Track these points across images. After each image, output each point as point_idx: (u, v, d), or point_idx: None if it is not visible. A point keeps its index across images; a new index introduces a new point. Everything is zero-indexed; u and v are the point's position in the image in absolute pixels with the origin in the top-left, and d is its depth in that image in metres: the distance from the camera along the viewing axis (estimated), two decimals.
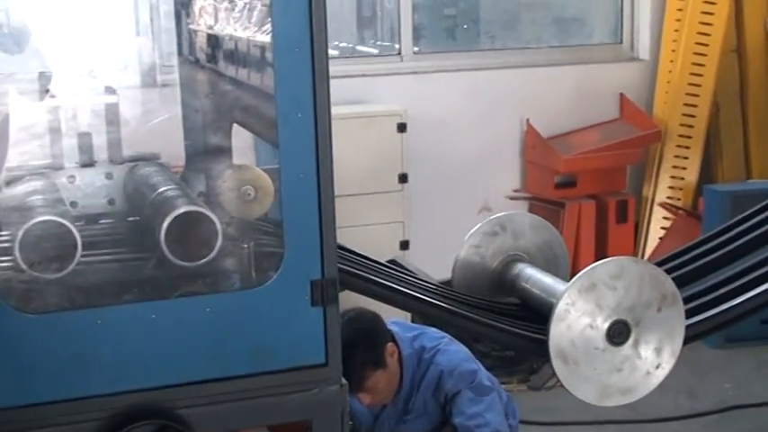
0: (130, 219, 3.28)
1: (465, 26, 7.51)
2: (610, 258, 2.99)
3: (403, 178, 6.35)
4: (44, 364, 2.46)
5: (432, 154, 6.79)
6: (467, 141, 7.00)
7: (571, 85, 7.20)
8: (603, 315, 2.91)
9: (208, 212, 2.79)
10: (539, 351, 2.97)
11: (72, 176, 3.28)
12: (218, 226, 2.78)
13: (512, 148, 7.16)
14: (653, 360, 2.96)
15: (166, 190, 2.98)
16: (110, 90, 3.36)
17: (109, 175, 3.33)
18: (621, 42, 7.49)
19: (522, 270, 3.32)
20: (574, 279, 2.91)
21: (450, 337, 4.27)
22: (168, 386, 2.55)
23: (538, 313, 3.12)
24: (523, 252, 3.43)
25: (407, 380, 4.18)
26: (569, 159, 6.83)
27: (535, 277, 3.24)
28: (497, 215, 3.46)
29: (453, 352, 4.17)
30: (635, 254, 7.13)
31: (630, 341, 2.93)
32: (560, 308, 2.87)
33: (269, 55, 3.01)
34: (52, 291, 2.68)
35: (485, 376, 4.18)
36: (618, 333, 2.91)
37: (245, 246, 2.84)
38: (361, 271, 3.04)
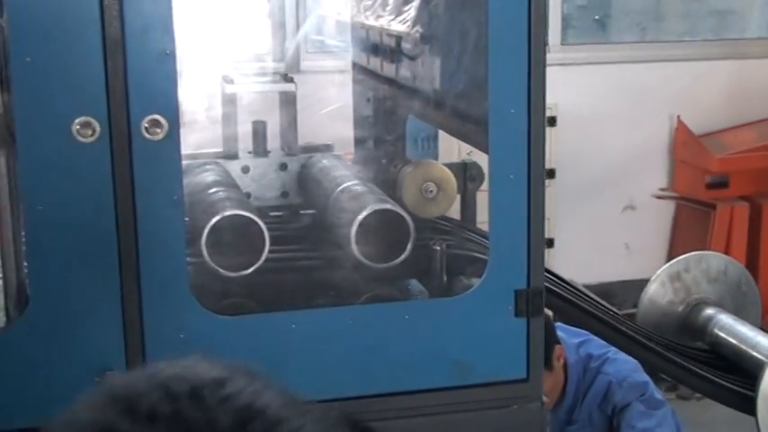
0: (303, 212, 3.13)
1: (612, 18, 7.23)
2: None
3: (550, 174, 6.13)
4: None
5: (578, 149, 6.54)
6: (614, 137, 6.73)
7: (725, 80, 6.87)
8: None
9: (400, 211, 2.62)
10: (740, 405, 2.78)
11: (246, 166, 3.14)
12: (411, 225, 2.61)
13: (661, 145, 6.86)
14: None
15: (352, 185, 2.81)
16: (286, 77, 3.21)
17: (283, 166, 3.18)
18: None
19: (713, 315, 3.12)
20: None
21: None
22: (361, 397, 2.39)
23: (732, 363, 2.93)
24: (713, 295, 3.20)
25: (572, 388, 3.97)
26: (723, 159, 6.51)
27: (730, 325, 3.03)
28: (687, 255, 3.23)
29: (622, 361, 3.94)
30: None
31: None
32: None
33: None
34: (239, 291, 2.54)
35: (655, 389, 3.95)
36: None
37: (438, 248, 2.66)
38: (553, 287, 2.84)
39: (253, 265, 2.54)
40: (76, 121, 2.15)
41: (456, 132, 2.94)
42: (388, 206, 2.63)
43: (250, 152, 3.20)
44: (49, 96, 2.14)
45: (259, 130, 3.20)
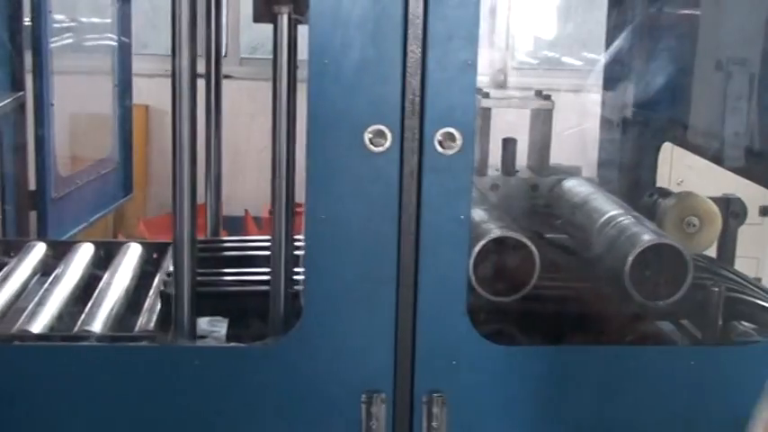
0: (551, 237, 2.97)
1: None
2: None
3: (764, 211, 5.81)
4: (509, 399, 2.18)
5: None
6: None
7: None
8: None
9: (680, 247, 2.44)
10: None
11: (495, 184, 3.00)
12: (690, 263, 2.42)
13: None
14: None
15: (619, 214, 2.64)
16: (542, 94, 3.06)
17: (534, 187, 3.03)
18: None
19: None
20: None
21: None
22: None
23: None
24: None
25: None
26: None
27: None
28: None
29: None
30: None
31: None
32: None
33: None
34: (503, 318, 2.40)
35: None
36: None
37: (716, 290, 2.46)
38: None
39: (520, 291, 2.40)
40: (369, 129, 2.05)
41: (732, 166, 2.74)
42: (666, 240, 2.45)
43: (497, 170, 3.06)
44: (343, 101, 2.03)
45: (509, 148, 3.06)
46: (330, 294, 2.11)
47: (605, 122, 3.40)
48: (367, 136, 2.05)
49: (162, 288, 2.59)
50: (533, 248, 2.40)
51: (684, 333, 2.57)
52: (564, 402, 2.19)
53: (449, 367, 2.15)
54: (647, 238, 2.45)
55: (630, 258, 2.41)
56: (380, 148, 2.05)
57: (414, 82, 2.04)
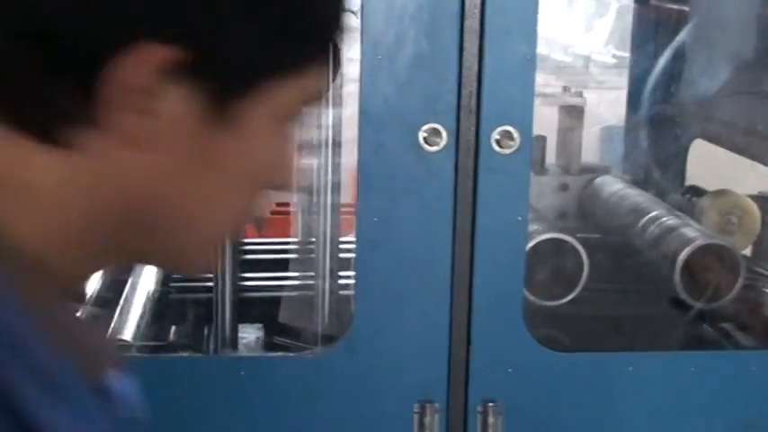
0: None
1: None
2: None
3: None
4: (567, 408, 2.10)
5: None
6: None
7: None
8: None
9: (732, 248, 2.37)
10: None
11: None
12: (742, 264, 2.36)
13: None
14: None
15: (661, 214, 2.57)
16: (573, 91, 2.98)
17: (563, 186, 2.95)
18: None
19: None
20: None
21: None
22: None
23: None
24: None
25: None
26: None
27: None
28: None
29: None
30: None
31: None
32: None
33: None
34: (558, 323, 2.33)
35: None
36: None
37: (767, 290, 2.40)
38: None
39: (568, 294, 2.32)
40: (424, 127, 1.96)
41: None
42: (717, 241, 2.38)
43: None
44: (397, 98, 1.95)
45: (539, 146, 2.97)
46: (381, 300, 2.02)
47: (631, 120, 3.32)
48: (421, 135, 1.96)
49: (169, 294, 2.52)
50: (581, 249, 2.32)
51: (721, 335, 2.51)
52: (623, 410, 2.12)
53: (505, 375, 2.06)
54: (697, 238, 2.38)
55: (681, 259, 2.35)
56: (435, 148, 1.97)
57: (470, 78, 1.96)
